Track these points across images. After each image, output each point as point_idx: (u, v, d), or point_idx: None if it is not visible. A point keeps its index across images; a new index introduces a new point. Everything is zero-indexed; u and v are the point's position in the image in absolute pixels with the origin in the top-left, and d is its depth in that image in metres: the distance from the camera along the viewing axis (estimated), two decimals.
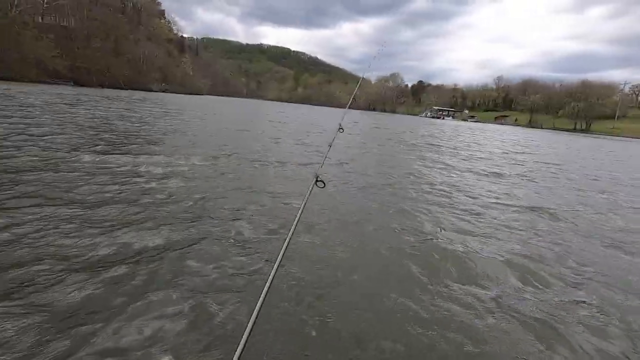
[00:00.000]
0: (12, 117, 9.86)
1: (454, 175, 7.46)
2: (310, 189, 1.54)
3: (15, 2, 56.47)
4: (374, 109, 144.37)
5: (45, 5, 65.86)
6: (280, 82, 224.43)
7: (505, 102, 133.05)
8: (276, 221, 3.58)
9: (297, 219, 1.31)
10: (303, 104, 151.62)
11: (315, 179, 1.57)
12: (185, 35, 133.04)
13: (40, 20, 65.28)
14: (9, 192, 3.67)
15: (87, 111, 14.16)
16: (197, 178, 5.06)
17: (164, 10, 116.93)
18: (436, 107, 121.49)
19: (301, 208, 1.38)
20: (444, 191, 5.80)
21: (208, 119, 17.02)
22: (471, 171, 8.30)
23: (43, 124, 9.02)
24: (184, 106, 25.72)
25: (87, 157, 5.67)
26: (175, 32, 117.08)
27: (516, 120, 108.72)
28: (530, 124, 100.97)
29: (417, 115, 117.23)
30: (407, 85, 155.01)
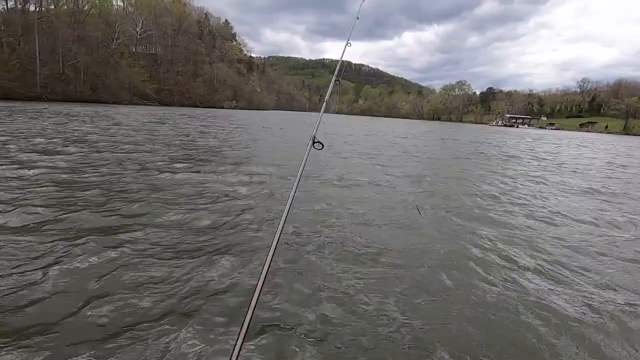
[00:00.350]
0: (116, 135, 11.35)
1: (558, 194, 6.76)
2: (308, 150, 1.65)
3: (116, 36, 65.61)
4: (438, 119, 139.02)
5: (138, 37, 75.43)
6: (341, 95, 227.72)
7: (592, 107, 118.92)
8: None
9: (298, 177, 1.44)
10: (363, 115, 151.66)
11: (312, 141, 1.68)
12: (253, 55, 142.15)
13: (134, 50, 74.84)
14: (118, 211, 4.17)
15: (172, 130, 15.72)
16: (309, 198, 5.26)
17: (235, 33, 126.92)
18: (508, 115, 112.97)
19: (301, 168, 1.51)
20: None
21: (285, 134, 17.77)
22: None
23: (138, 142, 10.20)
24: (255, 121, 27.26)
25: (180, 175, 6.24)
26: (245, 52, 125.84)
27: (607, 127, 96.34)
28: (626, 131, 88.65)
29: (486, 124, 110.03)
30: (475, 93, 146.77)
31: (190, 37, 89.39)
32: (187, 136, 13.10)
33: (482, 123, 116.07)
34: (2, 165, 5.87)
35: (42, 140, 9.21)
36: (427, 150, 14.50)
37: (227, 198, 4.73)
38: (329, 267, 2.85)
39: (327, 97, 1.90)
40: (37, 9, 54.42)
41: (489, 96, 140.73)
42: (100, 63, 58.33)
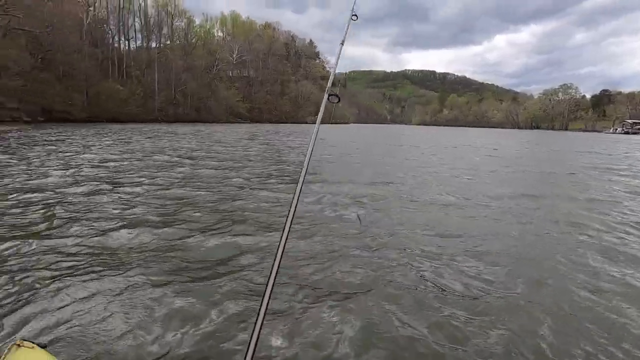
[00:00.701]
0: (222, 151, 12.55)
1: None
2: (324, 103, 1.79)
3: (216, 63, 74.00)
4: (537, 127, 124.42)
5: (234, 62, 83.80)
6: (424, 105, 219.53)
7: None
8: None
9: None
10: (448, 125, 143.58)
11: (327, 95, 1.77)
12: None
13: (230, 74, 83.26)
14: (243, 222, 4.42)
15: (262, 145, 16.81)
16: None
17: (318, 52, 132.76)
18: (630, 121, 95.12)
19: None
20: None
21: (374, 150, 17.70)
22: None
23: (236, 158, 11.08)
24: (339, 137, 27.76)
25: (278, 194, 6.49)
26: (327, 69, 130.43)
27: None
28: None
29: (600, 131, 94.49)
30: (584, 97, 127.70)
31: (278, 59, 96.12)
32: (279, 151, 13.81)
33: (594, 131, 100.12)
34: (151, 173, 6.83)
35: (165, 155, 10.61)
36: (533, 163, 12.87)
37: (336, 219, 4.70)
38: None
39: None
40: (157, 45, 64.42)
41: (603, 99, 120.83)
42: (203, 88, 66.13)
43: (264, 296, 0.98)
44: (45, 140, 15.55)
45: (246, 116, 76.45)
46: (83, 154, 11.21)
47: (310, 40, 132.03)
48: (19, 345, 1.42)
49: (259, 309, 0.94)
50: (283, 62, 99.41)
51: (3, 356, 1.38)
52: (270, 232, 4.08)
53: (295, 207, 1.25)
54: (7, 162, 8.85)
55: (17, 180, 6.65)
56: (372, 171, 9.47)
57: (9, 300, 2.41)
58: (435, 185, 7.58)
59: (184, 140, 18.56)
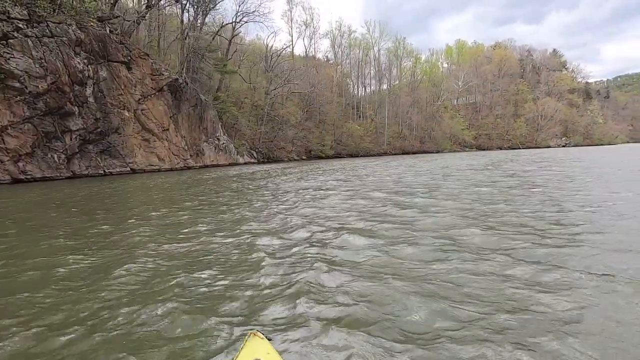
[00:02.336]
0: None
1: None
2: None
3: (441, 94, 74.88)
4: None
5: (459, 90, 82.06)
6: None
7: None
8: None
9: None
10: None
11: None
12: (590, 81, 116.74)
13: (455, 102, 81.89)
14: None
15: (488, 176, 14.72)
16: None
17: (565, 61, 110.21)
18: None
19: None
20: None
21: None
22: None
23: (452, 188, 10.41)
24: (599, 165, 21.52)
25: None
26: (579, 80, 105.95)
27: None
28: None
29: None
30: None
31: (510, 78, 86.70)
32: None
33: None
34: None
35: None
36: None
37: None
38: None
39: None
40: (388, 86, 72.08)
41: None
42: (428, 119, 68.01)
43: None
44: (320, 169, 20.14)
45: (472, 144, 72.34)
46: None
47: (554, 50, 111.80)
48: (254, 334, 1.79)
49: None
50: (517, 80, 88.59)
51: (245, 340, 1.77)
52: None
53: None
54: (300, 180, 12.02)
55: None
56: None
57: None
58: None
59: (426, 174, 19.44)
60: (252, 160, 37.90)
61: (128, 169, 22.88)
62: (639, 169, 13.12)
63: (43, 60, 18.34)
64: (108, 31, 22.71)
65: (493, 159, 27.87)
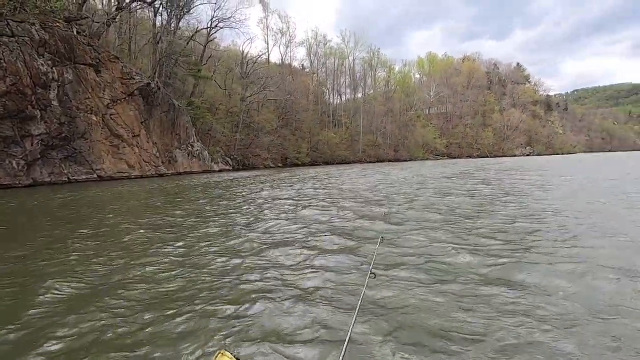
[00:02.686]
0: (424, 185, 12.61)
1: None
2: None
3: (413, 103, 76.95)
4: None
5: (431, 100, 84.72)
6: None
7: None
8: None
9: None
10: None
11: None
12: (551, 94, 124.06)
13: (427, 112, 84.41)
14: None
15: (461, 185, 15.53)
16: None
17: (528, 75, 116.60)
18: None
19: None
20: None
21: None
22: None
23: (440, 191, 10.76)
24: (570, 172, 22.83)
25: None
26: (540, 93, 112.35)
27: None
28: None
29: None
30: None
31: (478, 90, 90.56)
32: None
33: None
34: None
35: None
36: None
37: None
38: None
39: None
40: (362, 95, 73.30)
41: None
42: (401, 128, 69.56)
43: None
44: (294, 178, 19.99)
45: (443, 152, 74.66)
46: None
47: (517, 64, 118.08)
48: (223, 354, 1.72)
49: None
50: (484, 92, 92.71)
51: (214, 359, 1.64)
52: None
53: None
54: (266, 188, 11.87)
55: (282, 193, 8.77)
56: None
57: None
58: None
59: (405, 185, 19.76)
60: (227, 167, 37.18)
61: (95, 175, 21.77)
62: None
63: (2, 61, 17.21)
64: (75, 32, 21.70)
65: (462, 167, 28.78)
